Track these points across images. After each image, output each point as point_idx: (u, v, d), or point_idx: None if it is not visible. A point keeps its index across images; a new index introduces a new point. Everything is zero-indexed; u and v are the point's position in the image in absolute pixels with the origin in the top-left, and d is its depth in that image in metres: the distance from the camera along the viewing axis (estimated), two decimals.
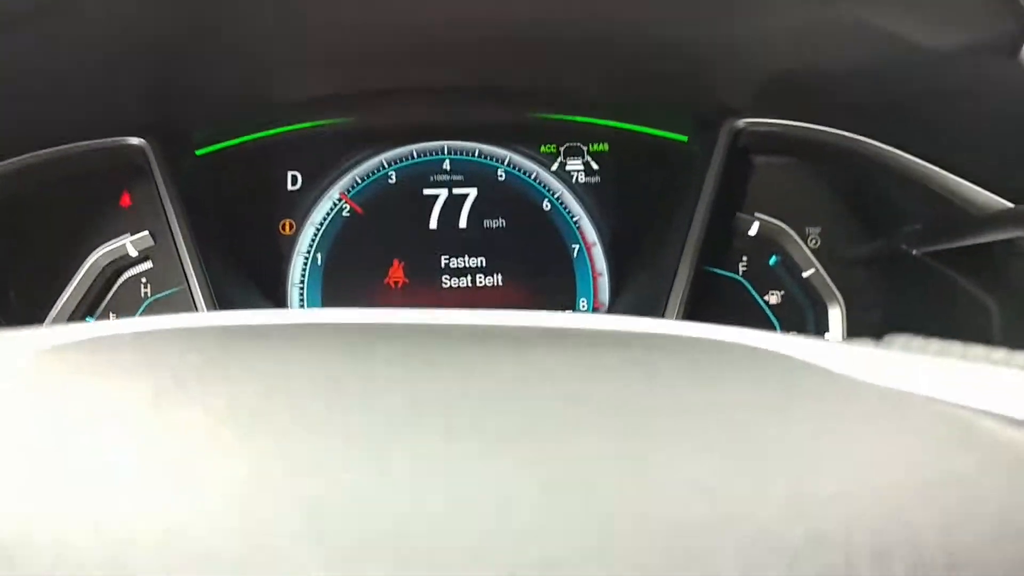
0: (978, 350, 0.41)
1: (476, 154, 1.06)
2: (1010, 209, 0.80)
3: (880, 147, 0.92)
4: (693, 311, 0.94)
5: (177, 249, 0.93)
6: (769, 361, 0.38)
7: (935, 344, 0.40)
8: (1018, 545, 0.25)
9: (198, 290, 0.92)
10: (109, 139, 0.91)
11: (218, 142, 1.01)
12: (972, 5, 0.64)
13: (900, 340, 0.41)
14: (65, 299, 0.97)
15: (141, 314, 1.00)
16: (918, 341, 0.40)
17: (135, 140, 0.90)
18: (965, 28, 0.66)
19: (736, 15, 0.76)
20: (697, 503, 0.25)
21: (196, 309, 0.92)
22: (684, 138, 1.04)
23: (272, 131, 1.03)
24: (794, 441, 0.29)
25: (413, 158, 1.05)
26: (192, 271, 0.92)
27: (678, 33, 0.82)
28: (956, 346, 0.41)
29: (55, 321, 0.97)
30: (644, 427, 0.29)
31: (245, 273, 1.01)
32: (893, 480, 0.27)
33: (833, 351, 0.40)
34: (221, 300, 0.93)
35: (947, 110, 0.82)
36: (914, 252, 0.93)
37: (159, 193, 0.93)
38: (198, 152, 1.01)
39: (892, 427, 0.31)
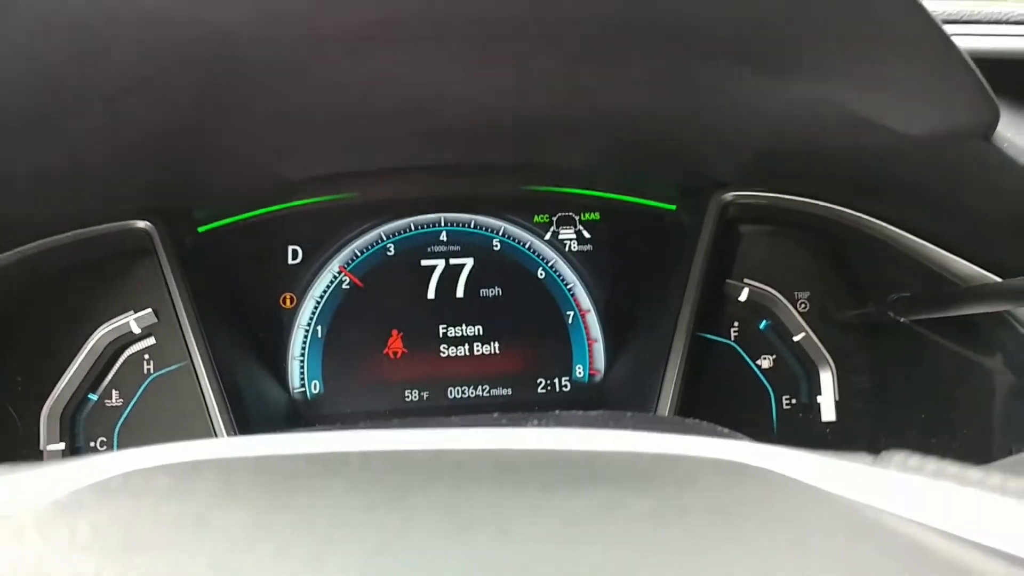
0: (974, 473, 0.42)
1: (472, 225, 1.09)
2: (996, 284, 0.83)
3: (863, 218, 0.96)
4: (689, 378, 0.96)
5: (180, 325, 0.95)
6: (780, 491, 0.40)
7: (931, 464, 0.42)
8: None
9: (201, 366, 0.93)
10: (115, 224, 0.93)
11: (220, 219, 1.04)
12: (946, 95, 0.67)
13: (897, 458, 0.44)
14: (68, 377, 0.98)
15: (144, 390, 1.01)
16: (915, 460, 0.42)
17: (140, 223, 0.93)
18: (940, 115, 0.69)
19: (723, 101, 0.79)
20: None
21: (199, 385, 0.93)
22: (673, 207, 1.07)
23: (273, 208, 1.05)
24: None
25: (411, 230, 1.08)
26: (195, 347, 0.94)
27: (668, 116, 0.85)
28: (952, 467, 0.43)
29: (59, 399, 0.98)
30: None
31: (247, 347, 1.03)
32: None
33: (836, 473, 0.42)
34: (223, 374, 0.94)
35: (926, 186, 0.85)
36: (902, 320, 0.95)
37: (163, 271, 0.95)
38: (200, 229, 1.03)
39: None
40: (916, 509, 0.39)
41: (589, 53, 0.68)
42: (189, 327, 0.94)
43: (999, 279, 0.85)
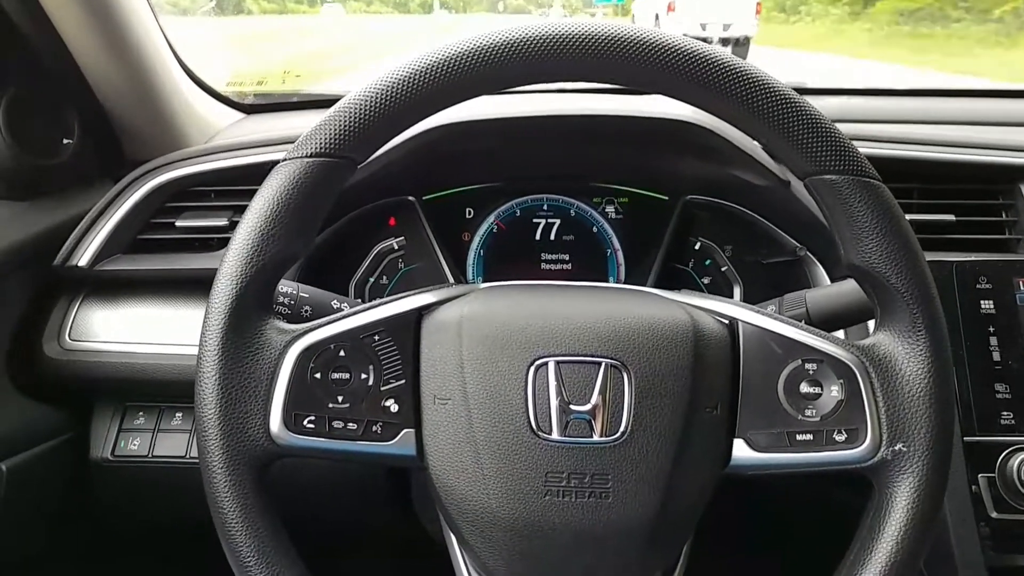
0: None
1: (560, 201, 2.10)
2: None
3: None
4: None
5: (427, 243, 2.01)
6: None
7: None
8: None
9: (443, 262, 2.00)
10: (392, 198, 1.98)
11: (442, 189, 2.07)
12: (772, 170, 1.67)
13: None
14: (361, 271, 2.04)
15: (397, 280, 2.06)
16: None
17: (411, 197, 1.97)
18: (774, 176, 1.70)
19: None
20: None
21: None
22: (666, 197, 2.08)
23: (461, 188, 2.08)
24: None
25: (528, 203, 2.10)
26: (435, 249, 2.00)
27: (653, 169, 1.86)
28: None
29: (353, 292, 2.03)
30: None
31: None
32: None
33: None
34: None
35: (785, 198, 1.84)
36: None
37: (420, 216, 2.00)
38: (424, 198, 2.06)
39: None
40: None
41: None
42: (433, 245, 2.00)
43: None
